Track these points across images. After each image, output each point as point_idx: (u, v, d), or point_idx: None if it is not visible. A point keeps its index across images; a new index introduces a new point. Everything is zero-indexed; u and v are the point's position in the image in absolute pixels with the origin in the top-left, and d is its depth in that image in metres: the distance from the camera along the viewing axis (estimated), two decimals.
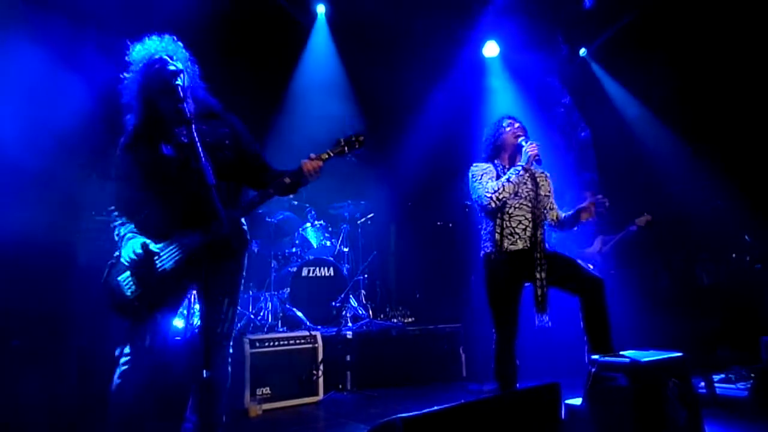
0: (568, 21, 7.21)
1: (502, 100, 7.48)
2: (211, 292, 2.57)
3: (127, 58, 2.57)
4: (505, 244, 3.35)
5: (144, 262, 2.49)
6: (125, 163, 2.57)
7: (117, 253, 2.56)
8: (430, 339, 5.48)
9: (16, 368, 3.85)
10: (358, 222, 6.49)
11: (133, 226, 2.57)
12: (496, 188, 3.32)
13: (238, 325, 5.02)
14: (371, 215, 6.53)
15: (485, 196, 3.33)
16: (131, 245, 2.50)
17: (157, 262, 2.50)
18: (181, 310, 3.52)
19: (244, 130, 2.75)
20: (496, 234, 3.37)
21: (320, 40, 7.15)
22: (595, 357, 2.76)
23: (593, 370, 2.70)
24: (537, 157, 3.33)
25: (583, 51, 7.73)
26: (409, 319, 5.97)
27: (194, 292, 2.66)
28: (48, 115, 4.26)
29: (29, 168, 4.08)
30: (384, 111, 7.40)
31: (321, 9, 7.06)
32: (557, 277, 3.33)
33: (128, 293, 2.50)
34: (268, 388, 4.32)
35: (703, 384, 4.14)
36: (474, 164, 3.57)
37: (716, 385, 4.24)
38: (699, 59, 6.34)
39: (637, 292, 5.69)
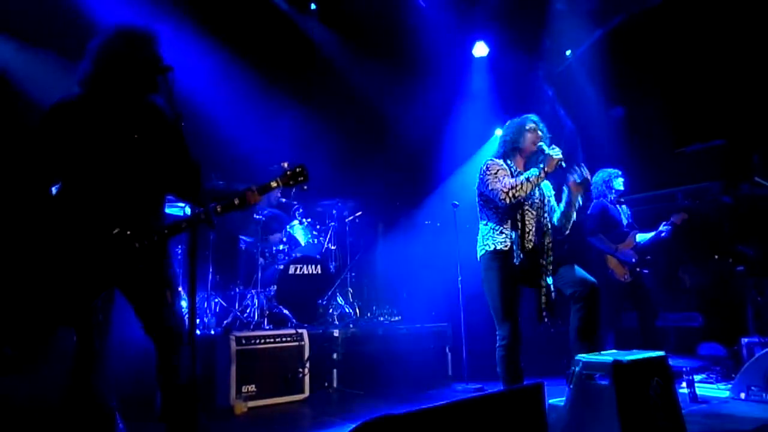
0: (556, 21, 7.28)
1: (491, 99, 7.52)
2: (148, 288, 2.44)
3: (128, 25, 2.47)
4: (521, 243, 3.32)
5: (74, 254, 2.26)
6: (57, 120, 2.36)
7: (27, 237, 2.31)
8: (416, 338, 5.50)
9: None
10: (346, 220, 6.49)
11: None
12: (513, 185, 3.26)
13: (224, 321, 5.01)
14: (359, 213, 6.53)
15: (501, 191, 3.26)
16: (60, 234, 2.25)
17: (84, 254, 2.27)
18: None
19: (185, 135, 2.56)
20: (506, 231, 3.34)
21: (319, 39, 7.19)
22: (579, 356, 2.79)
23: (576, 369, 2.73)
24: (560, 162, 3.26)
25: (568, 52, 7.79)
26: (396, 318, 5.98)
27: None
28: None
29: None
30: (373, 109, 7.41)
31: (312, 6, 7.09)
32: (556, 281, 3.36)
33: (58, 290, 2.27)
34: (253, 386, 4.30)
35: (684, 384, 4.20)
36: (490, 158, 3.52)
37: (697, 385, 4.30)
38: (681, 65, 6.44)
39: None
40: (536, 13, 7.12)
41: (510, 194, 3.24)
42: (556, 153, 3.27)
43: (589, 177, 3.36)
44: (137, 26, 2.49)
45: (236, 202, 2.61)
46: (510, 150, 3.52)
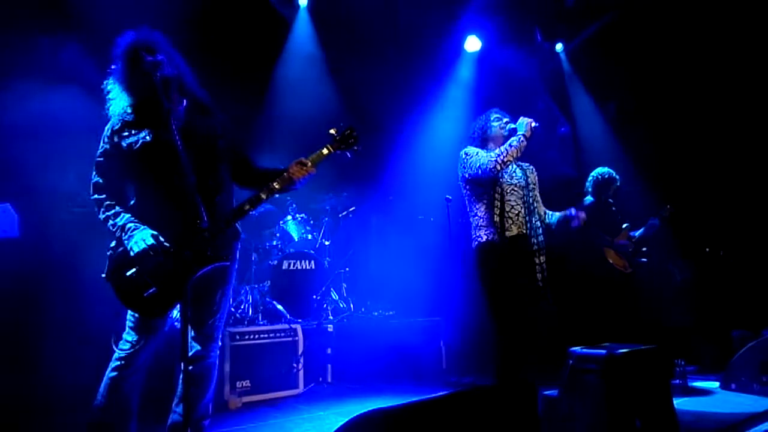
0: (548, 17, 7.28)
1: (484, 94, 7.51)
2: (203, 286, 2.51)
3: (111, 52, 2.52)
4: (505, 228, 3.35)
5: (155, 256, 2.34)
6: (112, 149, 2.49)
7: (113, 244, 2.44)
8: (410, 332, 5.51)
9: None
10: (340, 215, 6.48)
11: (129, 215, 2.43)
12: (500, 152, 3.34)
13: None
14: (352, 209, 6.52)
15: (490, 161, 3.33)
16: (141, 237, 2.35)
17: (165, 257, 2.36)
18: None
19: (230, 123, 2.75)
20: (495, 217, 3.36)
21: (302, 32, 7.10)
22: (573, 348, 2.82)
23: (571, 361, 2.75)
24: (533, 123, 3.40)
25: (559, 47, 7.78)
26: (390, 312, 5.98)
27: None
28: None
29: None
30: (365, 104, 7.38)
31: (303, 1, 7.01)
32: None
33: (141, 292, 2.35)
34: (248, 381, 4.31)
35: (676, 375, 4.24)
36: (467, 146, 3.61)
37: (688, 376, 4.35)
38: (675, 60, 6.46)
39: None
40: (529, 7, 7.11)
41: (500, 160, 3.32)
42: (526, 119, 3.42)
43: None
44: (141, 34, 2.53)
45: (290, 176, 2.62)
46: (481, 141, 3.64)
